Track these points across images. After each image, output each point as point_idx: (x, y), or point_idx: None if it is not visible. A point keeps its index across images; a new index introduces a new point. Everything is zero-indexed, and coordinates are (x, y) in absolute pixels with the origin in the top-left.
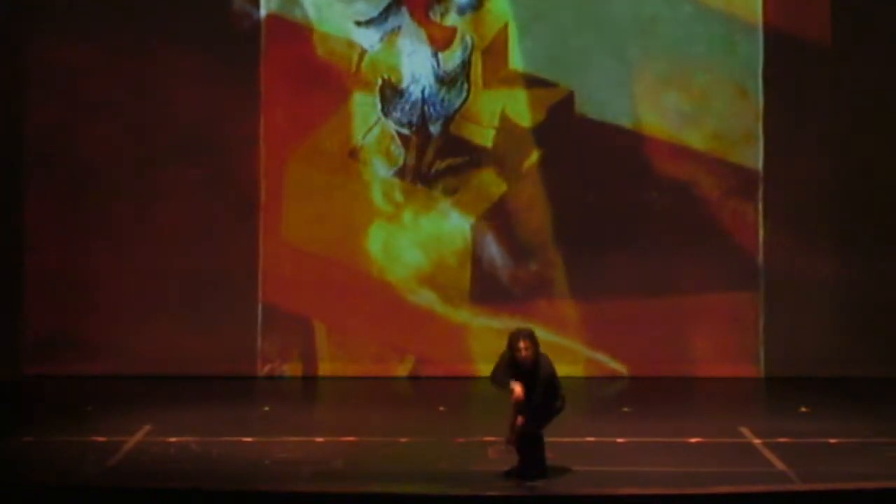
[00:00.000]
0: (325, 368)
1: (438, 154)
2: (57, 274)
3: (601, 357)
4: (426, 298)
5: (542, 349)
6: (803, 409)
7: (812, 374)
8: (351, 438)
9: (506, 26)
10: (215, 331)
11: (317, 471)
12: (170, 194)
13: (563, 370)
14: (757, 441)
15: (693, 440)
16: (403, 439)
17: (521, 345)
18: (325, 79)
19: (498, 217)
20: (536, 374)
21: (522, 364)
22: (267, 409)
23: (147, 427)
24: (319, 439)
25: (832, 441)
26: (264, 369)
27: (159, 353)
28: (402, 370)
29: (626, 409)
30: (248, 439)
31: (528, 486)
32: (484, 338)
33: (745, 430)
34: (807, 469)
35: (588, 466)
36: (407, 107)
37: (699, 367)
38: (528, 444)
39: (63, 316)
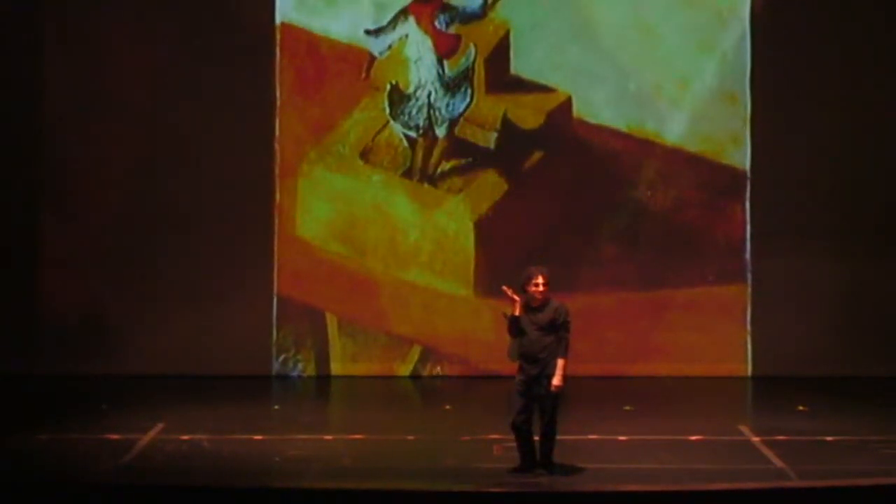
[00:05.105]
0: (335, 368)
1: (444, 155)
2: (72, 274)
3: None
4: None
5: None
6: (801, 408)
7: (799, 373)
8: (359, 436)
9: (507, 34)
10: (230, 329)
11: (326, 468)
12: (184, 197)
13: None
14: (755, 439)
15: (693, 438)
16: (410, 437)
17: (534, 281)
18: (336, 84)
19: (500, 215)
20: (542, 312)
21: (531, 299)
22: (277, 407)
23: (160, 425)
24: (328, 437)
25: (829, 439)
26: (279, 360)
27: (174, 352)
28: (407, 367)
29: (627, 408)
30: (259, 437)
31: (532, 483)
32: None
33: (743, 428)
34: (804, 466)
35: (591, 464)
36: (414, 111)
37: (689, 366)
38: (518, 438)
39: (78, 315)
